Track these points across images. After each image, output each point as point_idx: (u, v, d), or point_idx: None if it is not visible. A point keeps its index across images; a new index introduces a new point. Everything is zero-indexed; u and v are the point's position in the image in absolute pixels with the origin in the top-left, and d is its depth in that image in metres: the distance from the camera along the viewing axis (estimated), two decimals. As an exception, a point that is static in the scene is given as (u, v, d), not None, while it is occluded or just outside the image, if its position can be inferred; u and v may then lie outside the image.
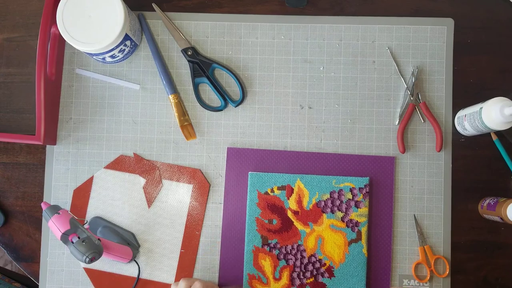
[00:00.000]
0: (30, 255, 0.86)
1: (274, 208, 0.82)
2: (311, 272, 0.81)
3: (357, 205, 0.82)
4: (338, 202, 0.82)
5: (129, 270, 0.84)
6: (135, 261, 0.83)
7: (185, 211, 0.84)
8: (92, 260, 0.68)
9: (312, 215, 0.82)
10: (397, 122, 0.85)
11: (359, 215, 0.82)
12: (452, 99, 0.85)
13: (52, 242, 0.85)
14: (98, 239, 0.71)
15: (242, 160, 0.84)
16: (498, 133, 0.84)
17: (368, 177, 0.82)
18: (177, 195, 0.84)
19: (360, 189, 0.82)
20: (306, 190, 0.82)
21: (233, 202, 0.84)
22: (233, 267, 0.83)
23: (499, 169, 0.84)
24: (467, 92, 0.85)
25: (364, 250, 0.81)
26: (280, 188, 0.82)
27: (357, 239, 0.81)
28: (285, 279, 0.81)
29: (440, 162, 0.84)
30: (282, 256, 0.82)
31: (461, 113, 0.83)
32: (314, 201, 0.82)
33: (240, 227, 0.83)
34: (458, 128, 0.84)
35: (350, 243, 0.81)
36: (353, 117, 0.85)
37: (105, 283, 0.84)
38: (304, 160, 0.84)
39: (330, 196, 0.82)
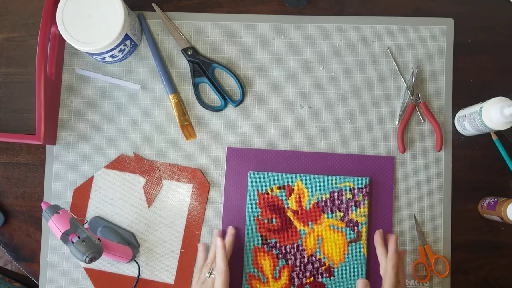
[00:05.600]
0: (30, 255, 0.86)
1: (274, 207, 0.82)
2: (311, 271, 0.81)
3: (356, 205, 0.82)
4: (338, 202, 0.82)
5: (129, 270, 0.84)
6: (135, 261, 0.83)
7: (185, 211, 0.84)
8: (92, 260, 0.68)
9: (311, 215, 0.82)
10: (397, 122, 0.85)
11: (359, 215, 0.82)
12: (452, 99, 0.85)
13: (52, 242, 0.85)
14: (98, 239, 0.71)
15: (242, 160, 0.84)
16: (498, 133, 0.84)
17: (368, 177, 0.82)
18: (177, 195, 0.84)
19: (360, 189, 0.82)
20: (306, 190, 0.82)
21: (233, 202, 0.84)
22: (233, 266, 0.83)
23: (499, 169, 0.84)
24: (467, 92, 0.85)
25: (364, 250, 0.81)
26: (280, 187, 0.82)
27: (357, 239, 0.81)
28: (284, 279, 0.81)
29: (440, 162, 0.84)
30: (281, 256, 0.82)
31: (461, 113, 0.83)
32: (314, 201, 0.82)
33: (240, 227, 0.83)
34: (458, 128, 0.84)
35: (349, 243, 0.81)
36: (353, 117, 0.85)
37: (105, 282, 0.84)
38: (304, 160, 0.84)
39: (330, 196, 0.82)
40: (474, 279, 0.84)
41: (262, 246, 0.82)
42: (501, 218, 0.77)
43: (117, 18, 0.76)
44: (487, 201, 0.81)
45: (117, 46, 0.79)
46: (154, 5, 0.86)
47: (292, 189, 0.82)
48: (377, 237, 0.80)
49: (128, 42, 0.81)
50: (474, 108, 0.78)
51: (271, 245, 0.82)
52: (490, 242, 0.84)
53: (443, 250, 0.83)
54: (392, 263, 0.75)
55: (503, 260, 0.84)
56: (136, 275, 0.83)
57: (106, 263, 0.84)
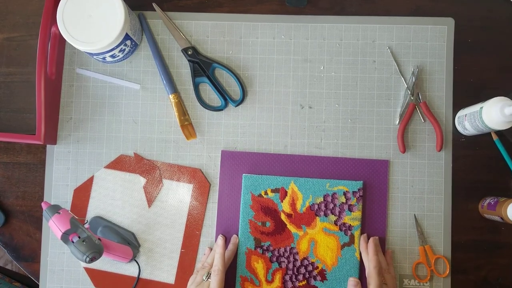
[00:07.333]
0: (31, 254, 0.86)
1: (268, 210, 0.82)
2: (304, 275, 0.81)
3: (350, 209, 0.81)
4: (331, 206, 0.82)
5: (129, 269, 0.84)
6: (135, 260, 0.83)
7: (185, 210, 0.84)
8: (92, 260, 0.68)
9: (305, 218, 0.82)
10: (397, 122, 0.85)
11: (352, 218, 0.81)
12: (452, 99, 0.85)
13: (52, 242, 0.85)
14: (99, 238, 0.71)
15: (236, 163, 0.84)
16: (499, 132, 0.84)
17: (361, 181, 0.82)
18: (178, 195, 0.84)
19: (354, 192, 0.82)
20: (299, 193, 0.82)
21: (227, 204, 0.83)
22: (227, 268, 0.82)
23: (499, 169, 0.84)
24: (467, 92, 0.85)
25: (357, 254, 0.81)
26: (274, 190, 0.82)
27: (350, 243, 0.81)
28: (277, 282, 0.81)
29: (441, 162, 0.84)
30: (274, 259, 0.81)
31: (461, 112, 0.83)
32: (307, 204, 0.82)
33: (234, 229, 0.83)
34: (459, 127, 0.84)
35: (343, 246, 0.81)
36: (353, 117, 0.85)
37: (105, 282, 0.84)
38: (298, 163, 0.84)
39: (324, 200, 0.82)
40: (474, 279, 0.84)
41: (255, 249, 0.82)
42: (502, 218, 0.77)
43: (118, 18, 0.76)
44: (487, 201, 0.81)
45: (117, 46, 0.79)
46: (154, 5, 0.86)
47: (286, 192, 0.82)
48: (362, 243, 0.80)
49: (128, 42, 0.81)
50: (475, 108, 0.78)
51: (265, 248, 0.82)
52: (490, 242, 0.84)
53: (443, 250, 0.83)
54: (373, 264, 0.75)
55: (503, 260, 0.84)
56: (136, 275, 0.83)
57: (106, 263, 0.84)
